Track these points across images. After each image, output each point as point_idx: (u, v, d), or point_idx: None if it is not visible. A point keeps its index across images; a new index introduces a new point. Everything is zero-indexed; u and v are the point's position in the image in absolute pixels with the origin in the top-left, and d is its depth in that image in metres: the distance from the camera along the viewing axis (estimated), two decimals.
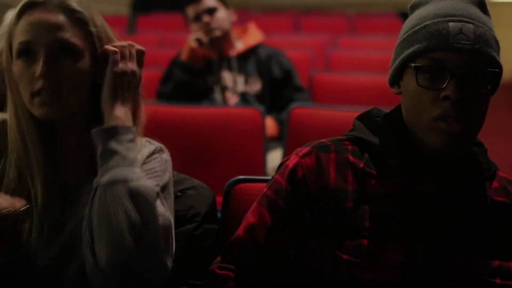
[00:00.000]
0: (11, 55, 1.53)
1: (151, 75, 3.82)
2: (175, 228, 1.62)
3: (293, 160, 1.46)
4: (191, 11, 3.54)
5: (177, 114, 2.89)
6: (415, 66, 1.38)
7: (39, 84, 1.46)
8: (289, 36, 6.04)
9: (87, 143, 1.53)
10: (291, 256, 1.43)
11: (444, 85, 1.35)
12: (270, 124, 3.31)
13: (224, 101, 3.48)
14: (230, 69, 3.53)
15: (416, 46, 1.39)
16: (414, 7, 1.46)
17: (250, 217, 1.47)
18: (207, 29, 3.48)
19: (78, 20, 1.51)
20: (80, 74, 1.50)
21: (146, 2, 8.83)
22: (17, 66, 1.49)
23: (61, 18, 1.49)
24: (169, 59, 3.63)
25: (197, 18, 3.51)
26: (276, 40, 4.77)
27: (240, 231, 1.48)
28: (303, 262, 1.42)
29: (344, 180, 1.41)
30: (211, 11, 3.50)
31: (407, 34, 1.42)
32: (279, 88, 3.52)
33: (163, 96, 3.48)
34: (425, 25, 1.39)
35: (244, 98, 3.49)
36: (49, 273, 1.45)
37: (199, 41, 3.47)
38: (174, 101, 3.26)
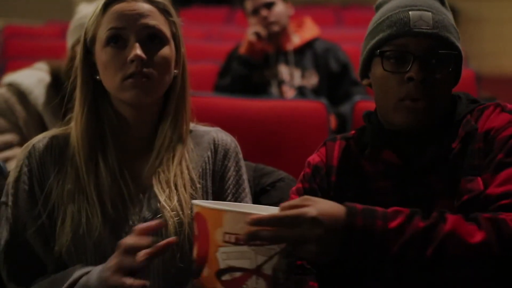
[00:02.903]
0: (86, 49, 1.56)
1: (204, 68, 3.85)
2: None
3: (312, 155, 1.65)
4: (249, 4, 3.55)
5: (240, 107, 2.90)
6: (380, 51, 1.51)
7: (132, 68, 1.49)
8: (333, 29, 6.03)
9: (151, 145, 1.57)
10: None
11: (408, 68, 1.48)
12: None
13: (281, 95, 3.50)
14: (287, 63, 3.54)
15: (381, 35, 1.52)
16: (379, 6, 1.60)
17: None
18: (265, 23, 3.49)
19: (162, 10, 1.55)
20: (168, 60, 1.54)
21: None
22: (106, 53, 1.52)
23: (148, 6, 1.54)
24: (217, 53, 3.64)
25: (255, 11, 3.52)
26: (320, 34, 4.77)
27: None
28: None
29: (345, 160, 1.60)
30: (270, 5, 3.51)
31: (373, 27, 1.56)
32: (336, 82, 3.53)
33: (221, 89, 3.50)
34: (388, 16, 1.52)
35: (301, 92, 3.50)
36: None
37: (257, 35, 3.48)
38: (232, 94, 3.28)
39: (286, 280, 1.28)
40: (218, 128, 1.66)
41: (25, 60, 3.76)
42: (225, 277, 1.26)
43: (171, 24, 1.57)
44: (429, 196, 1.50)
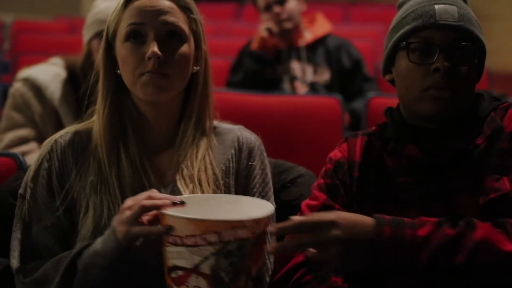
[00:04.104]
0: (108, 43, 1.57)
1: (214, 64, 3.84)
2: (286, 218, 1.66)
3: (333, 151, 1.67)
4: (261, 0, 3.54)
5: (253, 103, 2.90)
6: (406, 43, 1.53)
7: (148, 65, 1.49)
8: (341, 26, 6.02)
9: (172, 141, 1.57)
10: None
11: (434, 60, 1.50)
12: None
13: (293, 91, 3.49)
14: (299, 59, 3.54)
15: (406, 28, 1.54)
16: (402, 4, 1.62)
17: (305, 202, 1.62)
18: (278, 19, 3.48)
19: (183, 7, 1.55)
20: (186, 58, 1.54)
21: None
22: (125, 48, 1.53)
23: (168, 3, 1.54)
24: (226, 49, 3.63)
25: (268, 8, 3.51)
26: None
27: (297, 216, 1.57)
28: None
29: (367, 156, 1.60)
30: (282, 1, 3.50)
31: (397, 21, 1.58)
32: (348, 78, 3.52)
33: (233, 85, 3.49)
34: (413, 10, 1.55)
35: (313, 88, 3.50)
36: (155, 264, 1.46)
37: (269, 31, 3.48)
38: (245, 90, 3.28)
39: (234, 280, 1.31)
40: (242, 126, 1.65)
41: (36, 55, 3.77)
42: (172, 275, 1.34)
43: (192, 21, 1.57)
44: (450, 192, 1.50)
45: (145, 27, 1.52)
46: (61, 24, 6.10)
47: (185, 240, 1.31)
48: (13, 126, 2.51)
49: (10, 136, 2.50)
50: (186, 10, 1.56)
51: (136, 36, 1.52)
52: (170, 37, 1.52)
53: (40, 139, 2.50)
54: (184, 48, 1.53)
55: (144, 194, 1.38)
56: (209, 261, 1.30)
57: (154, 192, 1.38)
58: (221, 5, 7.39)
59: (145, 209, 1.35)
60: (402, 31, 1.55)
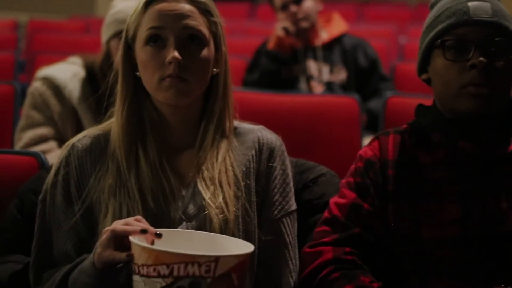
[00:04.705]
0: (127, 45, 1.57)
1: (230, 63, 3.84)
2: (307, 218, 1.67)
3: (363, 148, 1.66)
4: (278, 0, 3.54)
5: (270, 102, 2.89)
6: (441, 41, 1.54)
7: (169, 70, 1.49)
8: (354, 26, 6.00)
9: (192, 142, 1.57)
10: (376, 228, 1.56)
11: (470, 56, 1.50)
12: None
13: (310, 90, 3.49)
14: (315, 58, 3.54)
15: (440, 26, 1.55)
16: (434, 4, 1.63)
17: (333, 199, 1.62)
18: (294, 19, 3.48)
19: (203, 10, 1.55)
20: (206, 62, 1.53)
21: None
22: (145, 52, 1.52)
23: (188, 7, 1.53)
24: (241, 48, 3.63)
25: (284, 7, 3.51)
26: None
27: (325, 213, 1.61)
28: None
29: (400, 153, 1.59)
30: (299, 1, 3.49)
31: (431, 20, 1.59)
32: (364, 77, 3.52)
33: (249, 84, 3.49)
34: (446, 8, 1.56)
35: (329, 87, 3.50)
36: None
37: (286, 30, 3.48)
38: (262, 89, 3.28)
39: None
40: (262, 127, 1.64)
41: (53, 54, 3.78)
42: None
43: (212, 24, 1.56)
44: (493, 190, 1.51)
45: (165, 31, 1.51)
46: (76, 24, 6.13)
47: (140, 269, 1.29)
48: (32, 125, 2.52)
49: (30, 134, 2.51)
50: (206, 13, 1.55)
51: (156, 40, 1.52)
52: (191, 41, 1.52)
53: (59, 138, 2.51)
54: (205, 52, 1.52)
55: (124, 220, 1.37)
56: None
57: (135, 218, 1.38)
58: (234, 5, 7.40)
59: (115, 234, 1.35)
60: (436, 30, 1.56)
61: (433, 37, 1.56)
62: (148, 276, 1.27)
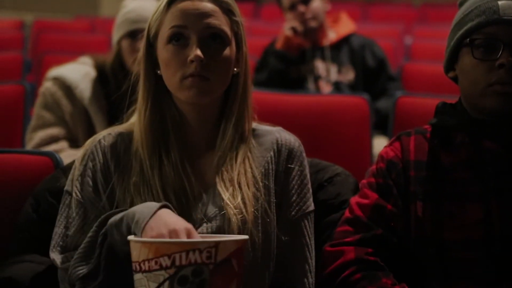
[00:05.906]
0: (149, 44, 1.57)
1: None
2: (323, 218, 1.67)
3: (384, 149, 1.64)
4: None
5: (279, 102, 2.89)
6: (470, 39, 1.54)
7: (191, 69, 1.50)
8: (360, 25, 6.00)
9: (212, 143, 1.57)
10: (398, 229, 1.56)
11: (498, 55, 1.50)
12: None
13: (318, 90, 3.49)
14: (323, 58, 3.54)
15: (469, 24, 1.54)
16: (463, 2, 1.62)
17: (354, 199, 1.62)
18: (302, 19, 3.48)
19: (226, 9, 1.55)
20: (228, 61, 1.54)
21: None
22: (167, 51, 1.53)
23: (211, 6, 1.53)
24: (250, 48, 3.61)
25: (292, 7, 3.51)
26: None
27: (347, 213, 1.61)
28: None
29: (422, 154, 1.58)
30: (307, 0, 3.49)
31: (459, 18, 1.58)
32: (372, 77, 3.52)
33: (257, 84, 3.49)
34: (476, 6, 1.55)
35: (337, 87, 3.50)
36: None
37: (294, 30, 3.48)
38: (270, 89, 3.27)
39: None
40: (281, 128, 1.65)
41: (61, 54, 3.79)
42: None
43: (234, 23, 1.56)
44: None
45: (187, 30, 1.52)
46: (82, 24, 6.13)
47: (141, 266, 1.29)
48: (43, 125, 2.52)
49: (41, 134, 2.51)
50: (228, 12, 1.56)
51: (178, 38, 1.52)
52: (213, 40, 1.52)
53: (70, 138, 2.52)
54: (226, 51, 1.53)
55: (188, 230, 1.37)
56: (164, 287, 1.27)
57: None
58: (238, 5, 7.34)
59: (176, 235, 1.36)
60: (465, 28, 1.56)
61: (462, 35, 1.56)
62: (150, 270, 1.28)
